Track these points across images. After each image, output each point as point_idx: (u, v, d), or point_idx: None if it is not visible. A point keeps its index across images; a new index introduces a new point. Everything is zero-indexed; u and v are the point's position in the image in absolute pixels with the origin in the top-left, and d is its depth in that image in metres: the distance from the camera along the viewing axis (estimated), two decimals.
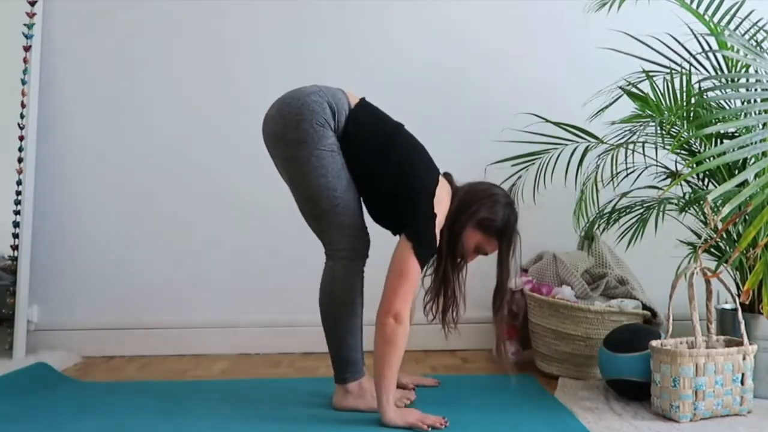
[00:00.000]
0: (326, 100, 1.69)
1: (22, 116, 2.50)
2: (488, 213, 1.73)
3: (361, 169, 1.72)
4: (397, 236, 1.76)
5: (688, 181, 2.17)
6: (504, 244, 1.76)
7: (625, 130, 2.24)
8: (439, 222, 1.70)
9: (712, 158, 1.63)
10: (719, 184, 1.92)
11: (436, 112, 2.63)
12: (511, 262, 1.77)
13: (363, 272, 1.77)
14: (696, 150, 2.11)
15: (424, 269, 1.72)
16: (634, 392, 1.83)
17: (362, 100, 1.78)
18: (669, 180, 2.27)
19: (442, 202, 1.71)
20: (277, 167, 1.78)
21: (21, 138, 2.50)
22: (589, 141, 2.28)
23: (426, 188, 1.70)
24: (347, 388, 1.77)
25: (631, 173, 2.33)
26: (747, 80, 2.00)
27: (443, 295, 1.78)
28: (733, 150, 1.45)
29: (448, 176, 1.81)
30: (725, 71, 2.05)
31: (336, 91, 1.74)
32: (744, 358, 1.72)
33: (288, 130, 1.67)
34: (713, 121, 1.92)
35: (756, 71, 1.90)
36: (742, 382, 1.72)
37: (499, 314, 1.80)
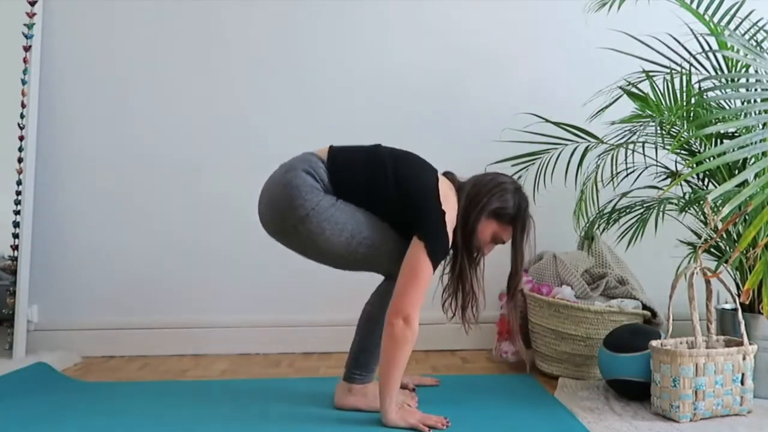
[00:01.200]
0: (301, 169, 1.69)
1: (22, 116, 2.50)
2: (500, 202, 1.74)
3: (361, 199, 1.72)
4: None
5: (688, 181, 2.17)
6: (518, 229, 1.77)
7: (625, 130, 2.24)
8: (450, 219, 1.69)
9: (712, 158, 1.63)
10: (719, 184, 1.92)
11: (437, 113, 2.64)
12: (525, 247, 1.78)
13: None
14: (696, 150, 2.11)
15: (438, 269, 1.71)
16: (634, 392, 1.83)
17: (330, 148, 1.77)
18: (669, 180, 2.27)
19: (448, 198, 1.71)
20: (300, 253, 1.77)
21: (21, 138, 2.49)
22: (589, 141, 2.28)
23: (427, 186, 1.70)
24: (351, 388, 1.77)
25: (631, 173, 2.33)
26: (747, 80, 2.00)
27: (461, 291, 1.78)
28: (733, 150, 1.45)
29: (449, 174, 1.82)
30: (725, 71, 2.05)
31: (303, 157, 1.74)
32: (744, 358, 1.72)
33: (287, 216, 1.67)
34: (713, 121, 1.92)
35: (756, 71, 1.90)
36: (742, 382, 1.72)
37: (514, 300, 1.81)
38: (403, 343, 1.61)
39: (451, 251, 1.77)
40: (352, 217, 1.69)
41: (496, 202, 1.74)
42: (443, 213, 1.67)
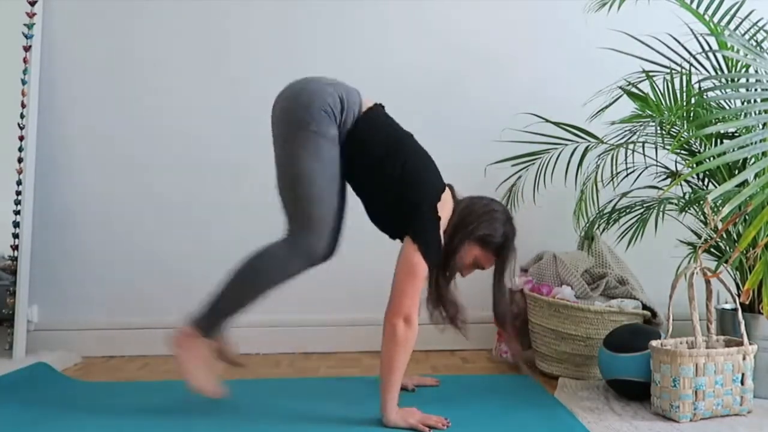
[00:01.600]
0: (339, 94, 1.70)
1: (22, 116, 2.50)
2: (488, 229, 1.73)
3: (365, 168, 1.72)
4: (396, 240, 1.75)
5: (688, 181, 2.17)
6: (500, 262, 1.77)
7: (625, 130, 2.24)
8: (442, 227, 1.70)
9: (712, 158, 1.63)
10: (719, 184, 1.92)
11: (437, 112, 2.64)
12: (506, 280, 1.78)
13: (297, 274, 1.73)
14: (696, 150, 2.11)
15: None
16: (634, 392, 1.83)
17: (377, 104, 1.79)
18: (669, 180, 2.27)
19: (446, 207, 1.72)
20: (274, 146, 1.75)
21: (21, 138, 2.50)
22: (589, 141, 2.28)
23: (432, 191, 1.70)
24: (184, 330, 1.75)
25: (631, 173, 2.33)
26: (747, 80, 2.00)
27: (444, 305, 1.78)
28: (733, 150, 1.45)
29: (450, 188, 1.81)
30: (725, 71, 2.05)
31: (352, 90, 1.76)
32: (744, 358, 1.72)
33: (297, 109, 1.67)
34: (713, 121, 1.92)
35: (756, 71, 1.90)
36: (742, 382, 1.72)
37: (508, 330, 1.81)
38: (405, 344, 1.61)
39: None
40: (328, 162, 1.67)
41: (484, 228, 1.73)
42: (439, 219, 1.68)
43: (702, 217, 2.14)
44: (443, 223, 1.70)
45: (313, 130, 1.66)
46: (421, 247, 1.63)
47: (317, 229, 1.70)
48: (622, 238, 2.21)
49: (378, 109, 1.78)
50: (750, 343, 1.75)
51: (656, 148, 2.20)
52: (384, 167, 1.70)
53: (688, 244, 2.15)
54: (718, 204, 1.86)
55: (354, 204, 2.69)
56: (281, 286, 1.72)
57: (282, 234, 1.74)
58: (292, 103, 1.70)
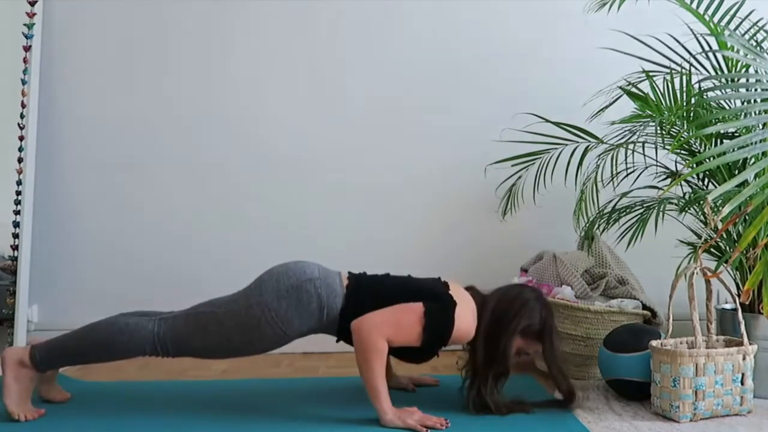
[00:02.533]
0: (320, 305, 1.71)
1: (22, 116, 2.50)
2: (527, 320, 1.71)
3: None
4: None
5: (688, 181, 2.17)
6: (547, 345, 1.73)
7: (625, 130, 2.24)
8: (461, 312, 1.68)
9: (712, 158, 1.63)
10: (719, 184, 1.92)
11: (437, 112, 2.64)
12: (558, 360, 1.74)
13: (133, 354, 1.75)
14: (696, 150, 2.11)
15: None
16: (634, 392, 1.83)
17: (350, 277, 1.78)
18: (669, 180, 2.27)
19: (460, 294, 1.72)
20: (252, 291, 1.78)
21: (21, 138, 2.50)
22: (589, 141, 2.28)
23: (431, 281, 1.76)
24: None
25: (631, 173, 2.33)
26: (747, 80, 2.00)
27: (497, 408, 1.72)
28: (733, 150, 1.45)
29: (472, 289, 1.80)
30: (725, 71, 2.05)
31: (333, 282, 1.74)
32: (744, 358, 1.72)
33: (281, 302, 1.70)
34: (713, 121, 1.92)
35: (756, 71, 1.90)
36: (742, 382, 1.72)
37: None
38: (361, 349, 1.62)
39: (472, 374, 1.73)
40: (254, 349, 1.74)
41: (524, 320, 1.71)
42: (454, 303, 1.67)
43: (702, 217, 2.14)
44: (461, 309, 1.68)
45: (273, 326, 1.69)
46: (426, 309, 1.64)
47: (179, 347, 1.75)
48: (622, 238, 2.21)
49: (352, 279, 1.78)
50: (750, 343, 1.75)
51: (656, 148, 2.20)
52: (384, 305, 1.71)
53: (688, 244, 2.15)
54: (718, 204, 1.86)
55: (356, 207, 2.71)
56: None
57: (159, 319, 1.78)
58: (283, 294, 1.71)
